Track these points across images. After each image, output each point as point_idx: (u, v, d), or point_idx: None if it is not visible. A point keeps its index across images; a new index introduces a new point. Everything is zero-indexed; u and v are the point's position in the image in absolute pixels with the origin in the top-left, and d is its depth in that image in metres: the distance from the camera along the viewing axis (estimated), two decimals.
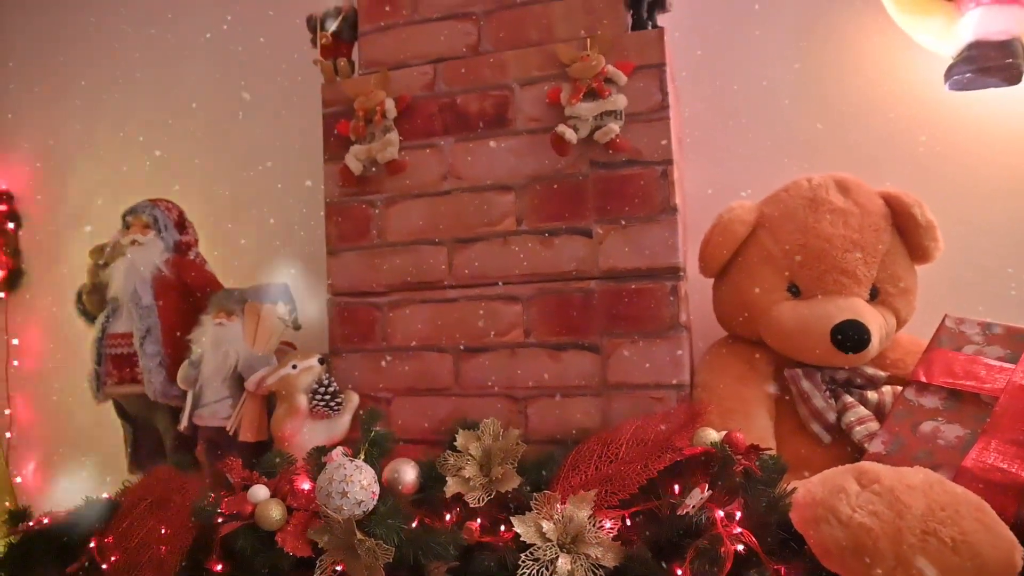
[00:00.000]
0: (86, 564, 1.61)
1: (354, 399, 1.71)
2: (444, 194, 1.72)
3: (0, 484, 2.13)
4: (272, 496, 1.41)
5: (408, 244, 1.74)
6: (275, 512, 1.36)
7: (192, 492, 1.57)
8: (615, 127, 1.58)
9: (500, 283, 1.67)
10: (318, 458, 1.56)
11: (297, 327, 1.88)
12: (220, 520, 1.42)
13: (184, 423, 1.79)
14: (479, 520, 1.42)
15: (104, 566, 1.54)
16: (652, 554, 1.26)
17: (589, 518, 1.31)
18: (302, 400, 1.64)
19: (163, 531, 1.51)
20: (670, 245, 1.57)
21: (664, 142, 1.58)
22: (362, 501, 1.33)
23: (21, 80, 2.82)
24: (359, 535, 1.28)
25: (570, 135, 1.60)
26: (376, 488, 1.36)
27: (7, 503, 2.15)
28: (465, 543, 1.36)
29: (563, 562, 1.27)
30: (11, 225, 2.77)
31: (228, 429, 1.73)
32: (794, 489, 1.27)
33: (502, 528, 1.41)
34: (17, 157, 2.83)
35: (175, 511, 1.54)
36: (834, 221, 1.56)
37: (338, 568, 1.35)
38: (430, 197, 1.73)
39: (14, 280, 2.75)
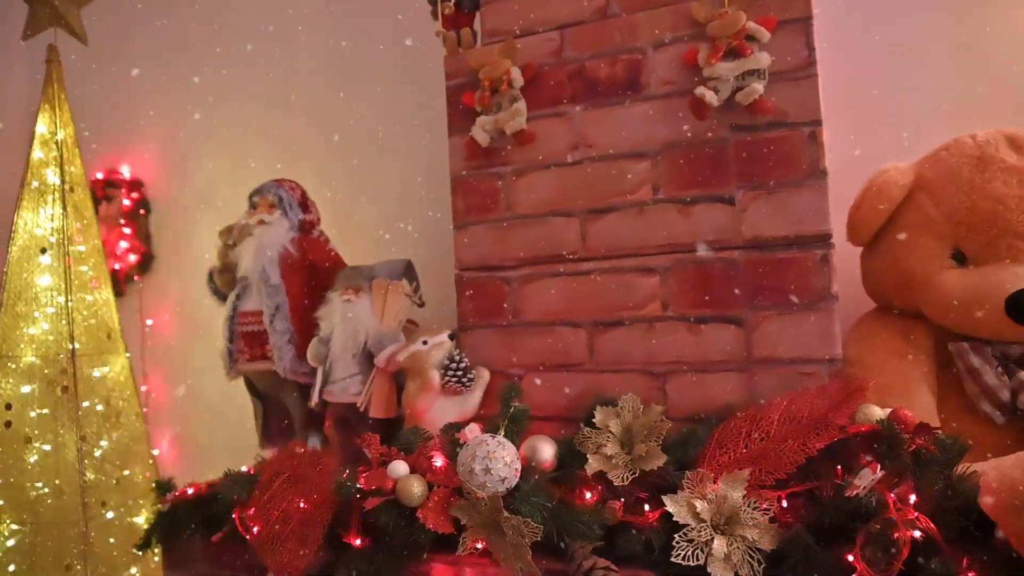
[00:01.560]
0: (230, 533, 1.65)
1: (485, 375, 1.68)
2: (575, 164, 1.66)
3: (142, 457, 2.20)
4: (411, 472, 1.39)
5: (538, 216, 1.69)
6: (417, 488, 1.34)
7: (327, 467, 1.57)
8: (759, 87, 1.48)
9: (636, 255, 1.60)
10: (452, 435, 1.54)
11: (421, 304, 1.87)
12: (359, 495, 1.42)
13: (314, 399, 1.80)
14: (622, 499, 1.37)
15: (247, 537, 1.57)
16: (814, 538, 1.18)
17: (744, 498, 1.24)
18: (434, 376, 1.62)
19: (302, 505, 1.52)
20: (820, 211, 1.47)
21: (812, 101, 1.48)
22: (505, 478, 1.29)
23: (147, 72, 2.91)
24: (505, 513, 1.25)
25: (710, 97, 1.51)
26: (518, 465, 1.32)
27: (147, 475, 2.22)
28: (608, 523, 1.32)
29: (718, 544, 1.20)
30: (142, 212, 2.87)
31: (359, 405, 1.73)
32: (975, 472, 1.16)
33: (646, 508, 1.35)
34: (146, 147, 2.93)
35: (312, 485, 1.55)
36: (1007, 180, 1.43)
37: (478, 546, 1.33)
38: (560, 167, 1.67)
39: (146, 264, 2.86)
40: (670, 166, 1.58)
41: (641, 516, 1.34)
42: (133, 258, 2.82)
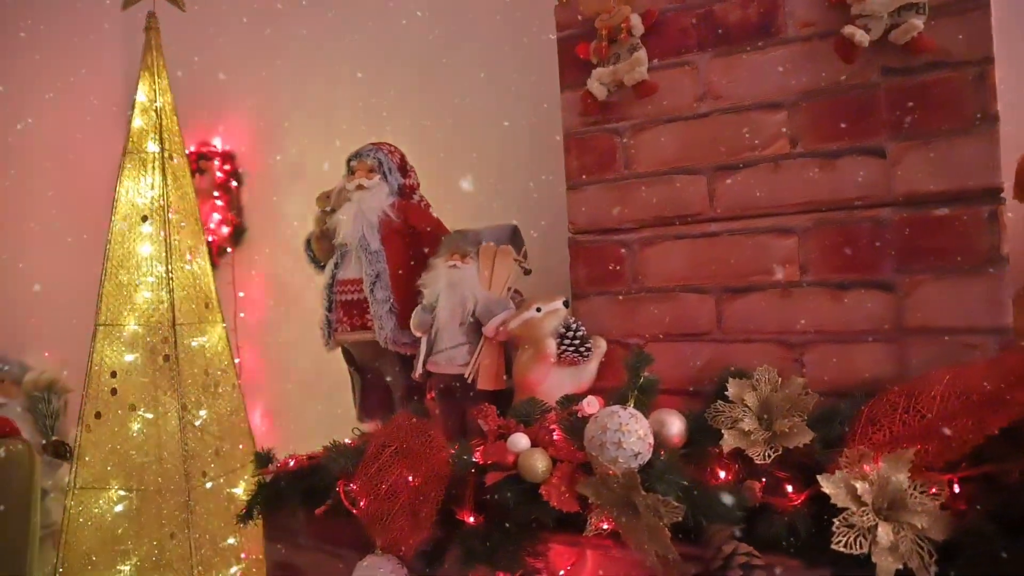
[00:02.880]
0: (334, 507, 1.59)
1: (602, 345, 1.57)
2: (701, 117, 1.53)
3: (239, 428, 2.18)
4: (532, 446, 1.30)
5: (660, 175, 1.56)
6: (541, 463, 1.25)
7: (436, 440, 1.49)
8: (917, 23, 1.32)
9: (771, 214, 1.46)
10: (569, 407, 1.44)
11: (528, 271, 1.77)
12: (476, 470, 1.34)
13: (418, 370, 1.72)
14: (763, 479, 1.25)
15: (353, 511, 1.50)
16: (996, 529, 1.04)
17: (909, 481, 1.11)
18: (551, 345, 1.52)
19: (411, 479, 1.44)
20: (988, 162, 1.30)
21: (982, 37, 1.31)
22: (639, 453, 1.19)
23: (237, 44, 2.88)
24: (642, 491, 1.14)
25: (860, 37, 1.36)
26: (651, 439, 1.21)
27: (244, 446, 2.20)
28: (749, 504, 1.20)
29: (883, 532, 1.07)
30: (234, 184, 2.85)
31: (467, 376, 1.64)
32: None
33: (789, 489, 1.23)
34: (237, 119, 2.91)
35: (421, 459, 1.47)
36: None
37: (604, 527, 1.22)
38: (685, 121, 1.54)
39: (238, 236, 2.84)
40: (810, 116, 1.43)
41: (784, 498, 1.22)
42: (225, 230, 2.81)
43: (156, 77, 2.13)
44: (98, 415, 2.04)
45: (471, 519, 1.34)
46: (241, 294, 2.80)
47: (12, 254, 2.67)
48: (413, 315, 1.73)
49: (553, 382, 1.53)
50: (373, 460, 1.51)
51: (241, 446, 2.23)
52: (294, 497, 1.71)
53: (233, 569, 2.11)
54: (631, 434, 1.18)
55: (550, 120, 1.70)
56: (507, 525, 1.30)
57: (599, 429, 1.20)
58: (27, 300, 2.65)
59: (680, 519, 1.12)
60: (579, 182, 1.66)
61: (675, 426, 1.33)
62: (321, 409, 2.64)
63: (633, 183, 1.59)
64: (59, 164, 2.83)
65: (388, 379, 1.94)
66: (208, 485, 2.05)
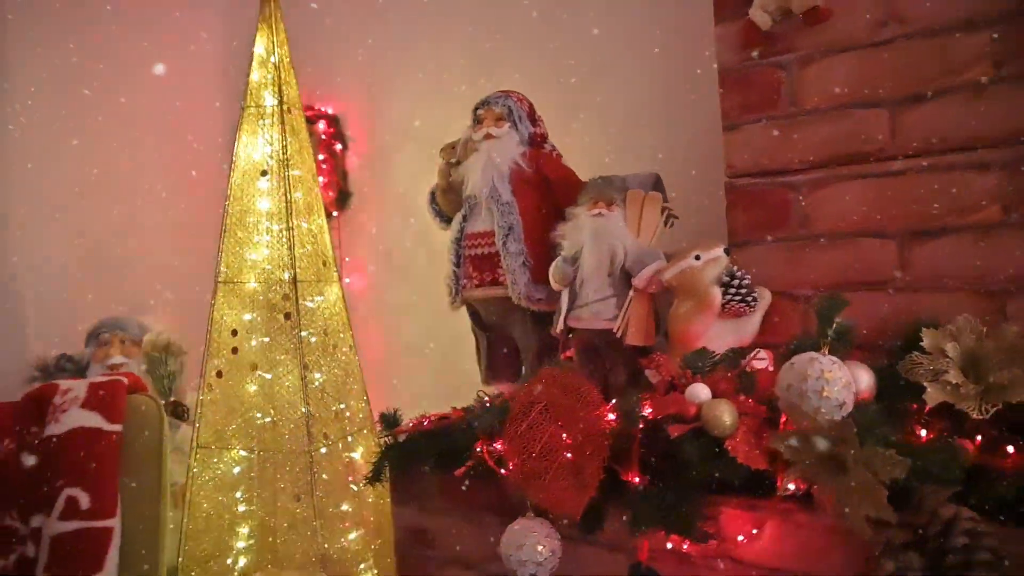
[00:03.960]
0: (475, 468, 1.52)
1: (767, 296, 1.45)
2: (882, 44, 1.39)
3: (357, 391, 2.13)
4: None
5: (833, 109, 1.43)
6: (727, 415, 1.14)
7: (590, 395, 1.39)
8: None
9: (968, 148, 1.32)
10: (737, 360, 1.33)
11: (672, 220, 1.65)
12: (649, 425, 1.24)
13: (559, 326, 1.63)
14: (978, 437, 1.12)
15: (502, 472, 1.42)
16: None
17: None
18: (716, 294, 1.40)
19: (565, 437, 1.35)
20: None
21: None
22: (843, 403, 1.07)
23: (341, 6, 2.82)
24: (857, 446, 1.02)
25: None
26: (856, 387, 1.09)
27: (361, 408, 2.15)
28: (966, 464, 1.07)
29: None
30: (339, 147, 2.80)
31: (615, 331, 1.54)
32: None
33: (1009, 448, 1.10)
34: (341, 81, 2.85)
35: (574, 415, 1.37)
36: None
37: (790, 487, 1.11)
38: (863, 49, 1.40)
39: (343, 200, 2.79)
40: (1017, 37, 1.28)
41: (1004, 458, 1.09)
42: (330, 194, 2.76)
43: (274, 29, 2.07)
44: (219, 374, 2.01)
45: (636, 479, 1.25)
46: (347, 259, 2.75)
47: (128, 216, 2.67)
48: (553, 267, 1.63)
49: (713, 335, 1.42)
50: (521, 418, 1.42)
51: (362, 409, 2.18)
52: (426, 459, 1.64)
53: (352, 535, 2.06)
54: (835, 382, 1.07)
55: (689, 58, 1.58)
56: (681, 484, 1.20)
57: (797, 377, 1.09)
58: (145, 261, 2.65)
59: (903, 475, 1.00)
60: (738, 121, 1.53)
61: (864, 380, 1.20)
62: (429, 375, 2.58)
63: (801, 120, 1.46)
64: (168, 127, 2.82)
65: (517, 338, 1.85)
66: (325, 449, 2.00)
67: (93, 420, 1.62)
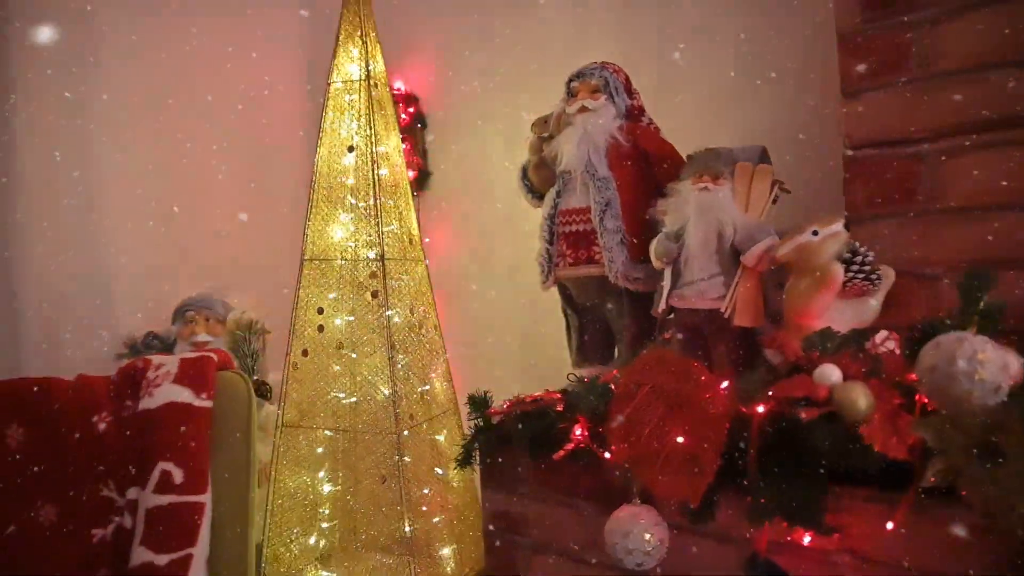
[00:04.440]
0: (574, 451, 1.46)
1: (890, 275, 1.35)
2: None
3: (442, 372, 2.10)
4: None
5: (970, 71, 1.32)
6: (863, 398, 1.05)
7: (700, 377, 1.32)
8: None
9: None
10: (862, 342, 1.24)
11: (778, 196, 1.56)
12: (765, 408, 1.16)
13: (661, 305, 1.55)
14: None
15: (606, 455, 1.36)
16: None
17: None
18: (837, 271, 1.30)
19: (675, 420, 1.28)
20: None
21: None
22: (999, 387, 0.97)
23: None
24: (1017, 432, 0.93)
25: None
26: (1014, 370, 0.99)
27: (445, 390, 2.11)
28: None
29: None
30: (419, 126, 2.77)
31: (723, 310, 1.46)
32: None
33: None
34: (420, 59, 2.81)
35: (684, 397, 1.30)
36: None
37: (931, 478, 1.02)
38: (1004, 4, 1.29)
39: (423, 180, 2.76)
40: None
41: None
42: (410, 174, 2.73)
43: (361, 2, 2.04)
44: (305, 352, 1.99)
45: (756, 466, 1.17)
46: (427, 240, 2.71)
47: (209, 197, 2.68)
48: (654, 244, 1.56)
49: (833, 315, 1.32)
50: (626, 400, 1.35)
51: (446, 390, 2.14)
52: (520, 442, 1.59)
53: (436, 519, 2.02)
54: (990, 364, 0.97)
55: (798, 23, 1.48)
56: (806, 473, 1.12)
57: (944, 359, 0.99)
58: (228, 240, 2.66)
59: None
60: (859, 89, 1.43)
61: (1014, 363, 1.10)
62: (508, 357, 2.53)
63: (932, 85, 1.35)
64: (250, 107, 2.82)
65: (611, 319, 1.78)
66: (409, 431, 1.97)
67: (184, 395, 1.61)
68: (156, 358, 1.70)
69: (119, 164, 2.52)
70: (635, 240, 1.67)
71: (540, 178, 1.84)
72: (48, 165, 2.40)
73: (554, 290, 1.86)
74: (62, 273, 2.39)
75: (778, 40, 1.87)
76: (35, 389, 1.61)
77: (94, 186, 2.47)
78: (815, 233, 1.35)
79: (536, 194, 1.86)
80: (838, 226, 1.35)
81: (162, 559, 1.48)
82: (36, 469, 1.54)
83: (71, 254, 2.41)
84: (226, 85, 2.76)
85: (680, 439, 1.23)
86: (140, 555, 1.49)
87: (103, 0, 2.48)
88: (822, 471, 1.11)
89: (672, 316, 1.58)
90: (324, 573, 2.07)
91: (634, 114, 1.77)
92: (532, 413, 1.59)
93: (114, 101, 2.51)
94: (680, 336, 1.57)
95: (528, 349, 2.45)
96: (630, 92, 1.79)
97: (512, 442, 1.60)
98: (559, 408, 1.53)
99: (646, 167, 1.71)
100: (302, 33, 2.98)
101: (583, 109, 1.73)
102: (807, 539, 1.16)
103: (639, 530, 1.25)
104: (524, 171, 1.88)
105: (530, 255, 1.82)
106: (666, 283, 1.54)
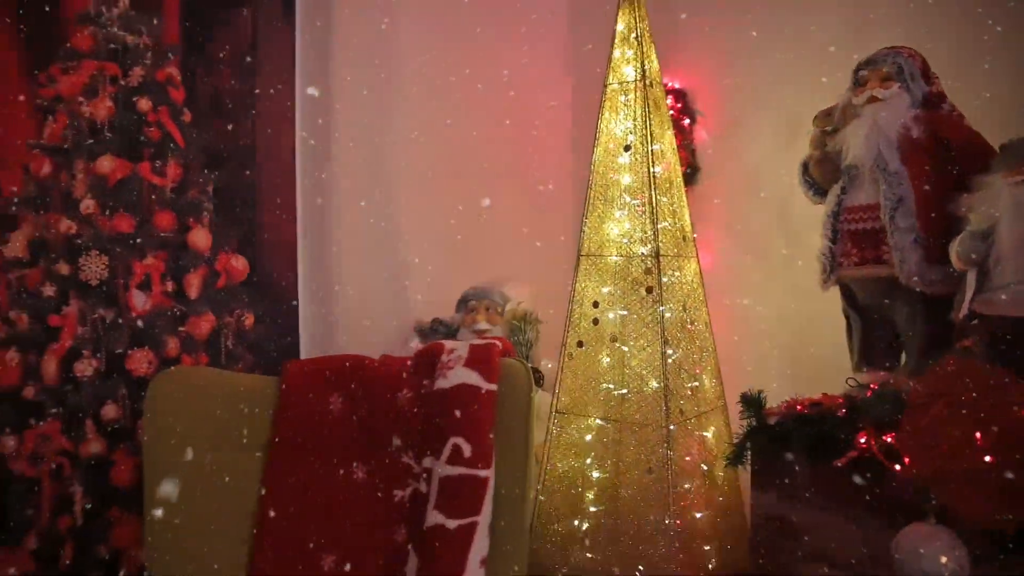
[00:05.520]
0: (857, 460, 1.40)
1: None
2: None
3: (712, 368, 2.10)
4: None
5: None
6: None
7: (1012, 390, 1.21)
8: None
9: None
10: None
11: None
12: None
13: (963, 310, 1.43)
14: None
15: (896, 467, 1.29)
16: None
17: None
18: None
19: (978, 436, 1.18)
20: None
21: None
22: None
23: None
24: None
25: None
26: None
27: (715, 386, 2.10)
28: None
29: None
30: (687, 122, 2.75)
31: None
32: None
33: None
34: (688, 55, 2.79)
35: (990, 412, 1.20)
36: None
37: None
38: None
39: (691, 176, 2.74)
40: None
41: None
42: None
43: (636, 4, 2.08)
44: (580, 344, 2.08)
45: None
46: (694, 236, 2.69)
47: (493, 195, 2.84)
48: (959, 243, 1.44)
49: None
50: (922, 411, 1.27)
51: (716, 387, 2.13)
52: (798, 445, 1.55)
53: (699, 514, 2.02)
54: None
55: None
56: None
57: None
58: (508, 234, 2.83)
59: None
60: None
61: None
62: (777, 357, 2.45)
63: None
64: (523, 109, 2.98)
65: (899, 323, 1.67)
66: (677, 425, 1.98)
67: (473, 378, 1.75)
68: (448, 343, 1.87)
69: (417, 167, 2.75)
70: (931, 239, 1.55)
71: (822, 173, 1.77)
72: (353, 172, 2.68)
73: (833, 290, 1.79)
74: (368, 268, 2.69)
75: None
76: (347, 364, 1.85)
77: (396, 190, 2.74)
78: None
79: (818, 190, 1.80)
80: None
81: (452, 523, 1.64)
82: (352, 434, 1.77)
83: (374, 252, 2.71)
84: (498, 91, 2.92)
85: (988, 458, 1.14)
86: (434, 517, 1.65)
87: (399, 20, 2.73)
88: None
89: (975, 322, 1.45)
90: (588, 555, 2.15)
91: (933, 101, 1.64)
92: (812, 417, 1.54)
93: (408, 107, 2.75)
94: (984, 345, 1.43)
95: (799, 350, 2.36)
96: (927, 78, 1.66)
97: (789, 444, 1.57)
98: (841, 413, 1.47)
99: (945, 159, 1.59)
100: (570, 35, 3.08)
101: (872, 99, 1.65)
102: None
103: (934, 551, 1.18)
104: (805, 166, 1.82)
105: (803, 252, 1.77)
106: (972, 285, 1.42)
